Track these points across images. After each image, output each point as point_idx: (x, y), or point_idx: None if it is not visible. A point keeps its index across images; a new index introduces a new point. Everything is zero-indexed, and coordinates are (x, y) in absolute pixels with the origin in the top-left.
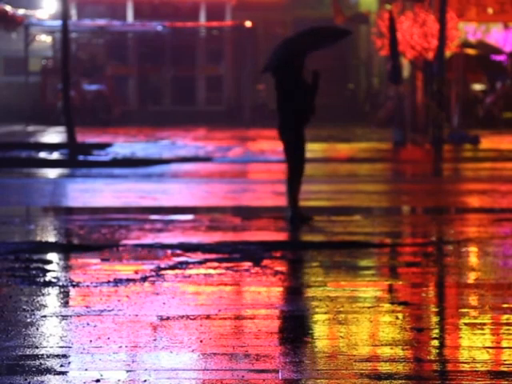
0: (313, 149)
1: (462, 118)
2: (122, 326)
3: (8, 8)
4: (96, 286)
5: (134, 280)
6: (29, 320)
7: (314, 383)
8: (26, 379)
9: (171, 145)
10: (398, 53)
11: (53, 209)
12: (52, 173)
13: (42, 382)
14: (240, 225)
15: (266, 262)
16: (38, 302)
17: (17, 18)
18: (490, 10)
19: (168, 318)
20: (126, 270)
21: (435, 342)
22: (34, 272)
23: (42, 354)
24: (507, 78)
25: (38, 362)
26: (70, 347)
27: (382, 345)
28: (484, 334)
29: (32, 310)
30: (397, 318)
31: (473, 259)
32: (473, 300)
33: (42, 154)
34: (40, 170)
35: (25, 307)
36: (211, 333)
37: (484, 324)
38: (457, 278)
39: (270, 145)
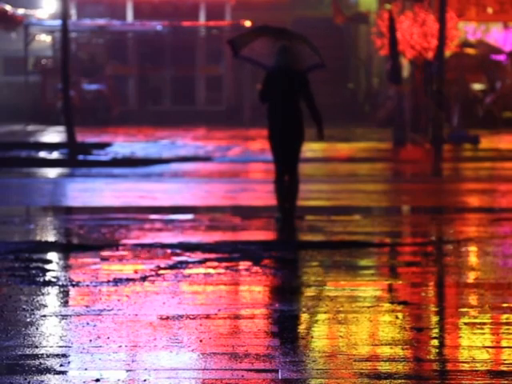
0: (313, 148)
1: (462, 117)
2: (121, 325)
3: (8, 8)
4: (96, 286)
5: (133, 279)
6: (29, 320)
7: (313, 383)
8: (25, 379)
9: (171, 144)
10: (397, 53)
11: (52, 208)
12: (52, 172)
13: (42, 381)
14: (240, 225)
15: (265, 261)
16: (37, 301)
17: (16, 17)
18: (490, 10)
19: (168, 318)
20: (125, 269)
21: (435, 342)
22: (33, 272)
23: (42, 354)
24: (507, 77)
25: (37, 362)
26: (69, 347)
27: (381, 344)
28: (484, 334)
29: (32, 310)
30: (396, 317)
31: (472, 259)
32: (472, 299)
33: (42, 154)
34: (40, 169)
35: (25, 307)
36: (211, 332)
37: (484, 323)
38: (456, 278)
39: None
